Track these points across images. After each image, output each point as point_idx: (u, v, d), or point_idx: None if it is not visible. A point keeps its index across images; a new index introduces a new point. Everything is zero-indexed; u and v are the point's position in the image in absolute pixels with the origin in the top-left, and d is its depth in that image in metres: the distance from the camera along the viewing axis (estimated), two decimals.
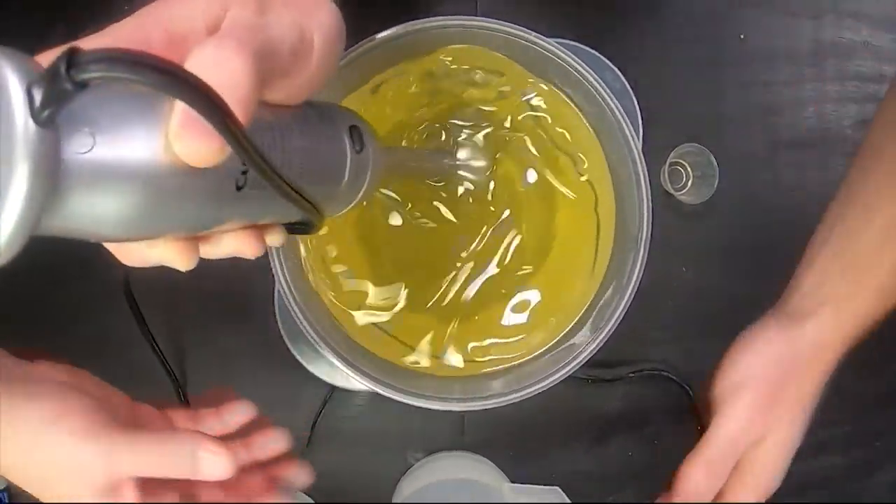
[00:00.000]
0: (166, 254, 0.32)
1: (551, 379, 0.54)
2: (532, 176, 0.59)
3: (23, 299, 0.75)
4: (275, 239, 0.37)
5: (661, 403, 0.73)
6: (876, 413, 0.74)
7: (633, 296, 0.53)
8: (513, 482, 0.74)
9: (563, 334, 0.59)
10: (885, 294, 0.47)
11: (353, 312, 0.59)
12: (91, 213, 0.25)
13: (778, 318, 0.49)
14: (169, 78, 0.22)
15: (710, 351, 0.73)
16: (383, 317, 0.59)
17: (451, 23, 0.54)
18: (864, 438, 0.74)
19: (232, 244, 0.34)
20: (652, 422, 0.73)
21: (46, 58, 0.24)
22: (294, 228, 0.37)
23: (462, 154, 0.59)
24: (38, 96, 0.21)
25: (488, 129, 0.59)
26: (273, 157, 0.29)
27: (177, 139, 0.25)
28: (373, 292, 0.59)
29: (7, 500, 0.77)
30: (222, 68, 0.26)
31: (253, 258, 0.36)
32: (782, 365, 0.47)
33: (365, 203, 0.58)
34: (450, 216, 0.59)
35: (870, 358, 0.73)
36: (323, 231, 0.59)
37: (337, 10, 0.35)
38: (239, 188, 0.29)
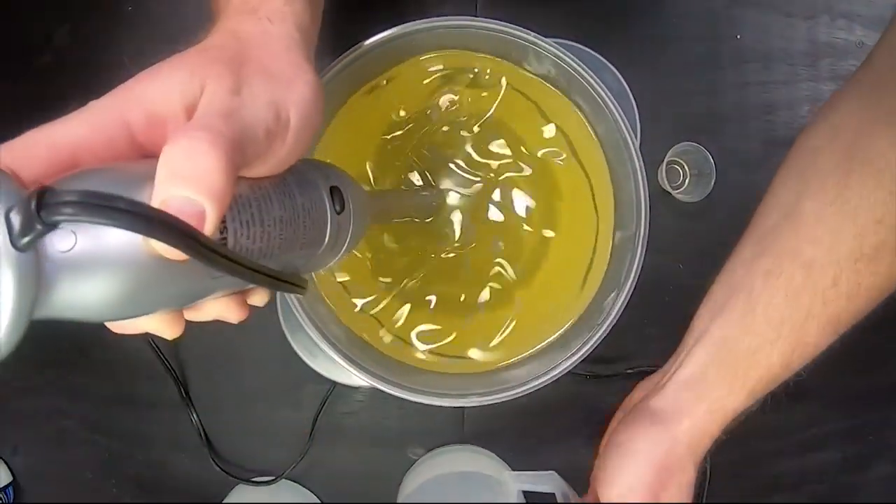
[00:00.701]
0: (153, 325, 0.32)
1: (550, 375, 0.54)
2: (531, 176, 0.59)
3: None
4: (258, 300, 0.37)
5: None
6: (870, 409, 0.74)
7: (630, 293, 0.53)
8: None
9: (561, 332, 0.59)
10: (756, 394, 0.48)
11: (355, 307, 0.59)
12: (77, 301, 0.26)
13: (656, 419, 0.49)
14: (139, 220, 0.23)
15: None
16: (385, 314, 0.60)
17: (450, 23, 0.54)
18: (858, 434, 0.75)
19: (216, 310, 0.35)
20: None
21: (28, 140, 0.27)
22: (280, 288, 0.36)
23: (448, 185, 0.59)
24: (15, 223, 0.22)
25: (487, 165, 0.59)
26: (253, 233, 0.30)
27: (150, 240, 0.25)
28: (375, 290, 0.60)
29: (12, 497, 0.77)
30: (196, 164, 0.26)
31: (237, 322, 0.36)
32: (659, 475, 0.48)
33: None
34: (448, 230, 0.60)
35: (864, 356, 0.74)
36: None
37: (315, 80, 0.35)
38: (215, 276, 0.30)
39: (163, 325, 0.32)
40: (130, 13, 0.72)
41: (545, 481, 0.55)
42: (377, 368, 0.55)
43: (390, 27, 0.53)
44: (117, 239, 0.25)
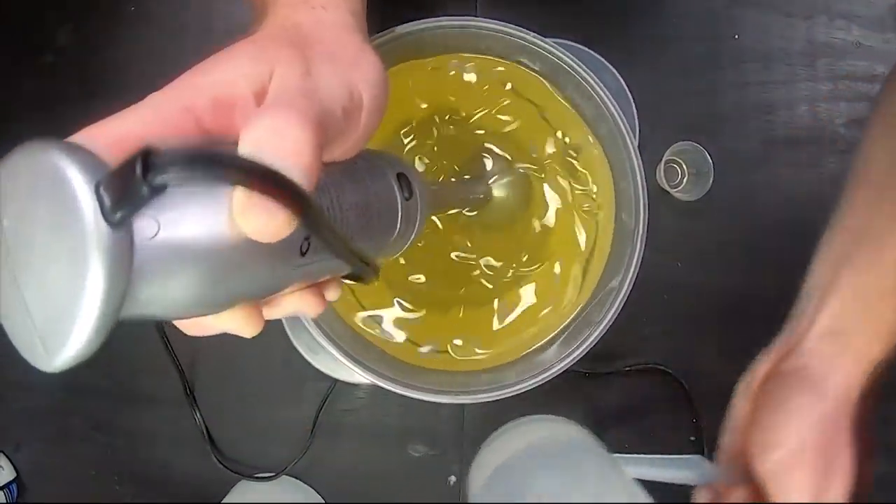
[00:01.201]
0: (232, 323, 0.31)
1: (549, 372, 0.54)
2: (529, 175, 0.60)
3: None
4: (333, 294, 0.36)
5: (657, 396, 0.73)
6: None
7: (629, 291, 0.53)
8: None
9: (561, 329, 0.59)
10: (892, 341, 0.46)
11: (356, 305, 0.59)
12: (162, 295, 0.24)
13: (803, 378, 0.47)
14: (249, 175, 0.22)
15: (705, 345, 0.73)
16: (386, 312, 0.60)
17: (449, 23, 0.54)
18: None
19: (294, 304, 0.34)
20: (647, 414, 0.73)
21: (89, 140, 0.24)
22: (350, 277, 0.36)
23: (495, 182, 0.59)
24: (106, 197, 0.20)
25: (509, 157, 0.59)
26: (332, 218, 0.29)
27: (242, 218, 0.24)
28: (377, 289, 0.60)
29: (16, 493, 0.77)
30: (285, 140, 0.25)
31: (314, 316, 0.35)
32: (825, 430, 0.46)
33: None
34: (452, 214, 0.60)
35: None
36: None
37: (378, 60, 0.34)
38: (303, 254, 0.29)
39: (241, 323, 0.31)
40: (132, 13, 0.72)
41: (687, 466, 0.49)
42: (378, 366, 0.55)
43: (391, 27, 0.53)
44: (202, 223, 0.23)
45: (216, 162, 0.21)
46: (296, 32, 0.33)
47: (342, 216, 0.31)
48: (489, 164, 0.59)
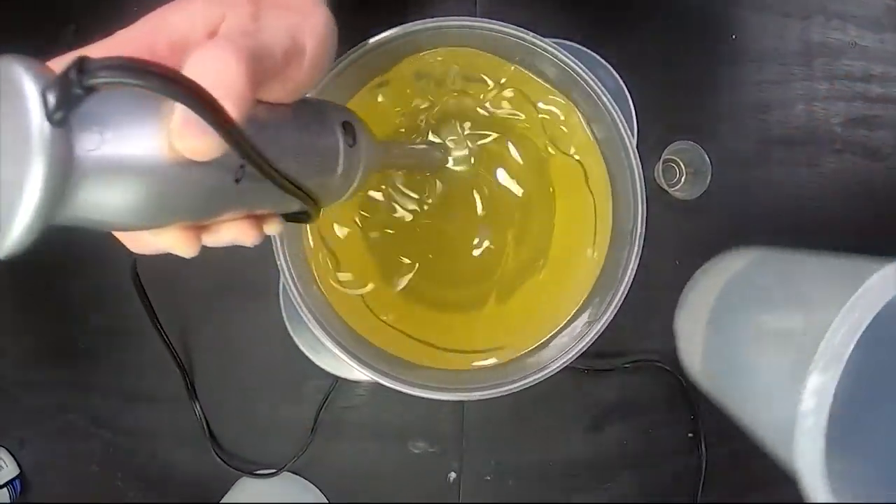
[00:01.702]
0: (171, 242, 0.33)
1: (548, 370, 0.54)
2: (529, 173, 0.60)
3: (39, 291, 0.76)
4: (272, 228, 0.38)
5: (656, 393, 0.73)
6: None
7: (628, 288, 0.54)
8: (509, 470, 0.74)
9: (560, 327, 0.59)
10: None
11: (357, 302, 0.59)
12: (100, 204, 0.26)
13: None
14: (169, 83, 0.23)
15: None
16: (386, 310, 0.60)
17: (449, 24, 0.54)
18: None
19: (231, 233, 0.36)
20: (646, 411, 0.74)
21: (57, 64, 0.25)
22: (291, 218, 0.39)
23: (454, 152, 0.59)
24: (51, 99, 0.23)
25: (487, 136, 0.59)
26: (269, 152, 0.30)
27: (177, 137, 0.26)
28: (378, 287, 0.60)
29: (19, 489, 0.77)
30: (219, 69, 0.27)
31: (251, 246, 0.37)
32: None
33: (368, 197, 0.58)
34: (449, 216, 0.60)
35: None
36: (329, 225, 0.59)
37: (329, 16, 0.37)
38: (237, 181, 0.30)
39: (180, 242, 0.33)
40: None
41: None
42: (378, 363, 0.55)
43: (390, 27, 0.53)
44: (142, 139, 0.26)
45: (142, 69, 0.23)
46: None
47: (280, 151, 0.33)
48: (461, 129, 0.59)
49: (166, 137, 0.26)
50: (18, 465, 0.78)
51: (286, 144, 0.34)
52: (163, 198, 0.28)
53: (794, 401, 0.42)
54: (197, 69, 0.27)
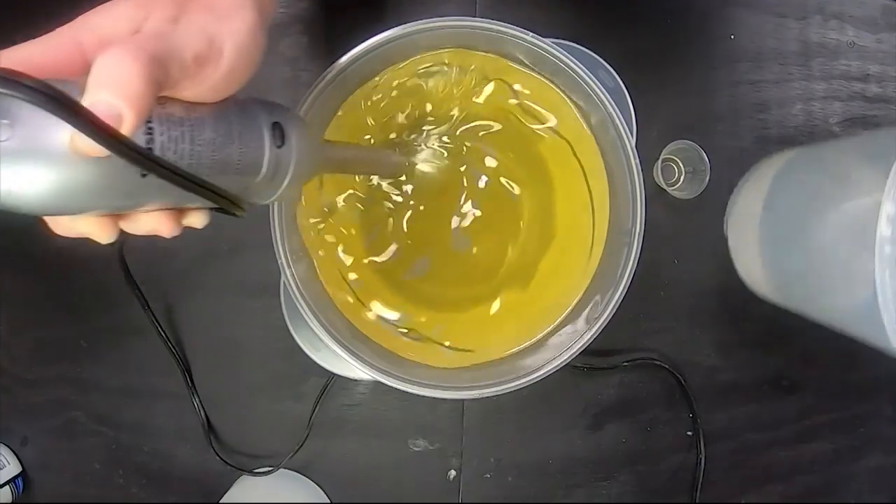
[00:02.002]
0: (88, 227, 0.35)
1: (548, 368, 0.54)
2: (529, 174, 0.60)
3: (41, 289, 0.76)
4: (194, 221, 0.39)
5: (654, 391, 0.73)
6: (860, 402, 0.75)
7: (627, 287, 0.54)
8: (509, 467, 0.74)
9: (559, 325, 0.59)
10: None
11: (357, 301, 0.60)
12: (11, 191, 0.28)
13: None
14: (36, 94, 0.25)
15: (701, 341, 0.73)
16: (386, 307, 0.60)
17: (450, 24, 0.54)
18: (849, 426, 0.75)
19: (149, 223, 0.37)
20: (645, 409, 0.74)
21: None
22: (218, 211, 0.39)
23: (421, 156, 0.59)
24: None
25: (488, 128, 0.59)
26: (181, 149, 0.32)
27: (74, 133, 0.27)
28: (377, 285, 0.60)
29: (21, 487, 0.77)
30: (117, 70, 0.29)
31: (169, 237, 0.38)
32: None
33: (365, 198, 0.58)
34: (448, 218, 0.60)
35: (854, 350, 0.74)
36: (329, 220, 0.59)
37: (253, 19, 0.37)
38: (143, 175, 0.31)
39: (96, 229, 0.35)
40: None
41: None
42: (379, 361, 0.56)
43: (391, 27, 0.54)
44: (49, 134, 0.28)
45: (14, 81, 0.25)
46: None
47: (192, 150, 0.34)
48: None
49: (68, 132, 0.28)
50: (20, 462, 0.78)
51: (202, 143, 0.34)
52: (70, 189, 0.29)
53: (867, 271, 0.43)
54: (98, 70, 0.29)
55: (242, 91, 0.39)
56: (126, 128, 0.28)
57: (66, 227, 0.35)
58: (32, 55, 0.31)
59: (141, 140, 0.31)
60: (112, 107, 0.28)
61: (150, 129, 0.31)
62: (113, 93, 0.28)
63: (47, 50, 0.32)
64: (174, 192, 0.32)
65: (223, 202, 0.36)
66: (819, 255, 0.54)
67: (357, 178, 0.60)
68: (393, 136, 0.59)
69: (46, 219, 0.35)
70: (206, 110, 0.36)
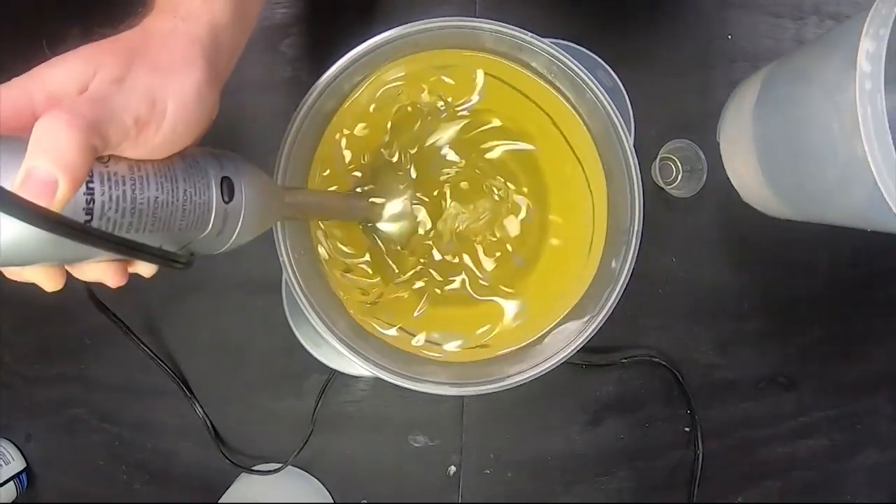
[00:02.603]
0: (35, 276, 0.36)
1: (547, 365, 0.54)
2: (526, 173, 0.60)
3: (33, 294, 0.76)
4: (141, 270, 0.40)
5: (652, 388, 0.74)
6: (857, 398, 0.75)
7: (625, 285, 0.54)
8: (508, 463, 0.74)
9: (558, 323, 0.59)
10: None
11: (358, 298, 0.60)
12: None
13: None
14: None
15: (699, 338, 0.74)
16: (387, 304, 0.60)
17: (448, 24, 0.54)
18: (846, 422, 0.75)
19: (95, 273, 0.38)
20: (643, 406, 0.74)
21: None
22: (163, 265, 0.38)
23: (391, 204, 0.58)
24: None
25: (484, 125, 0.59)
26: (122, 207, 0.33)
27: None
28: (377, 282, 0.60)
29: (25, 483, 0.77)
30: (52, 139, 0.29)
31: (114, 287, 0.39)
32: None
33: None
34: (448, 217, 0.60)
35: (850, 346, 0.74)
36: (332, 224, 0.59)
37: (200, 76, 0.37)
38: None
39: (43, 278, 0.36)
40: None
41: None
42: (380, 358, 0.56)
43: (391, 28, 0.54)
44: None
45: None
46: (140, 40, 0.37)
47: (134, 208, 0.34)
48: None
49: None
50: (25, 459, 0.78)
51: (143, 201, 0.34)
52: (13, 246, 0.30)
53: (857, 156, 0.45)
54: (36, 136, 0.29)
55: (218, 126, 0.40)
56: (60, 193, 0.29)
57: (14, 273, 0.35)
58: None
59: (81, 200, 0.31)
60: (48, 173, 0.28)
61: (90, 189, 0.32)
62: (49, 160, 0.29)
63: (3, 102, 0.33)
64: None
65: (161, 261, 0.36)
66: (814, 162, 0.55)
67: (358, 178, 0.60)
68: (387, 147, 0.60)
69: None
70: (152, 167, 0.35)
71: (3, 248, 0.30)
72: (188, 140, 0.38)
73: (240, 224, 0.41)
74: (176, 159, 0.37)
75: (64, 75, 0.34)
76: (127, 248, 0.32)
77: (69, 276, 0.37)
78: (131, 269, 0.39)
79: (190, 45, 0.38)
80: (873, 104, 0.44)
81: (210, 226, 0.39)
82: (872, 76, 0.44)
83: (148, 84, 0.35)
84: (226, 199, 0.39)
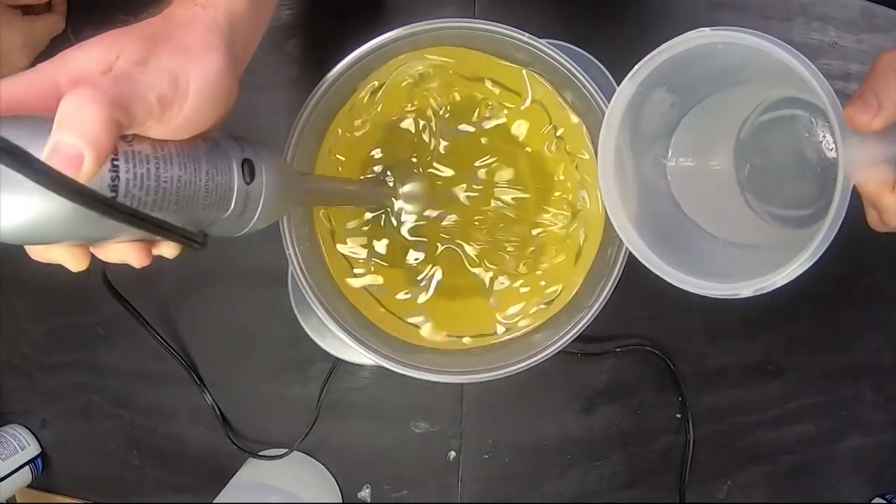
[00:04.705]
0: (60, 256, 0.36)
1: (543, 354, 0.55)
2: (523, 169, 0.60)
3: (60, 279, 0.76)
4: (165, 251, 0.40)
5: (645, 376, 0.74)
6: (842, 385, 0.75)
7: (619, 277, 0.54)
8: (506, 448, 0.75)
9: (554, 313, 0.60)
10: None
11: (362, 288, 0.60)
12: None
13: None
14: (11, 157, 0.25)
15: (690, 327, 0.74)
16: (390, 295, 0.60)
17: (447, 24, 0.54)
18: (831, 408, 0.75)
19: (119, 253, 0.38)
20: (636, 393, 0.74)
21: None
22: (184, 244, 0.38)
23: (406, 188, 0.59)
24: None
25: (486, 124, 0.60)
26: (147, 186, 0.33)
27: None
28: (381, 273, 0.60)
29: (41, 468, 0.78)
30: (77, 113, 0.29)
31: (138, 267, 0.39)
32: None
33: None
34: (451, 212, 0.60)
35: (836, 335, 0.75)
36: (339, 212, 0.59)
37: (222, 61, 0.38)
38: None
39: (67, 257, 0.36)
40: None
41: None
42: (383, 347, 0.56)
43: (391, 28, 0.54)
44: (16, 176, 0.27)
45: None
46: (162, 26, 0.37)
47: (157, 187, 0.34)
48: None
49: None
50: (40, 444, 0.79)
51: (167, 180, 0.34)
52: (39, 223, 0.30)
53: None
54: (61, 112, 0.29)
55: (229, 124, 0.40)
56: (86, 167, 0.29)
57: (39, 253, 0.36)
58: (14, 91, 0.32)
59: (106, 177, 0.31)
60: (74, 147, 0.29)
61: (115, 166, 0.32)
62: (74, 134, 0.29)
63: (27, 87, 0.33)
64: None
65: (181, 240, 0.36)
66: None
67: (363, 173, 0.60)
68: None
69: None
70: (175, 147, 0.36)
71: (30, 225, 0.30)
72: (210, 121, 0.38)
73: (260, 205, 0.41)
74: (198, 140, 0.37)
75: (88, 58, 0.34)
76: (150, 224, 0.33)
77: (84, 270, 0.38)
78: (155, 251, 0.39)
79: (210, 31, 0.38)
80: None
81: (232, 205, 0.39)
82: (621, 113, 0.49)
83: (170, 64, 0.35)
84: (247, 180, 0.39)
